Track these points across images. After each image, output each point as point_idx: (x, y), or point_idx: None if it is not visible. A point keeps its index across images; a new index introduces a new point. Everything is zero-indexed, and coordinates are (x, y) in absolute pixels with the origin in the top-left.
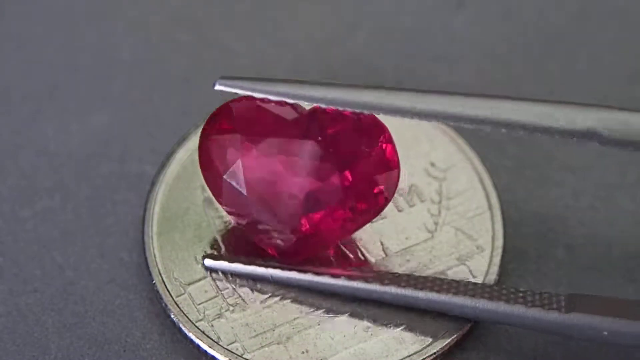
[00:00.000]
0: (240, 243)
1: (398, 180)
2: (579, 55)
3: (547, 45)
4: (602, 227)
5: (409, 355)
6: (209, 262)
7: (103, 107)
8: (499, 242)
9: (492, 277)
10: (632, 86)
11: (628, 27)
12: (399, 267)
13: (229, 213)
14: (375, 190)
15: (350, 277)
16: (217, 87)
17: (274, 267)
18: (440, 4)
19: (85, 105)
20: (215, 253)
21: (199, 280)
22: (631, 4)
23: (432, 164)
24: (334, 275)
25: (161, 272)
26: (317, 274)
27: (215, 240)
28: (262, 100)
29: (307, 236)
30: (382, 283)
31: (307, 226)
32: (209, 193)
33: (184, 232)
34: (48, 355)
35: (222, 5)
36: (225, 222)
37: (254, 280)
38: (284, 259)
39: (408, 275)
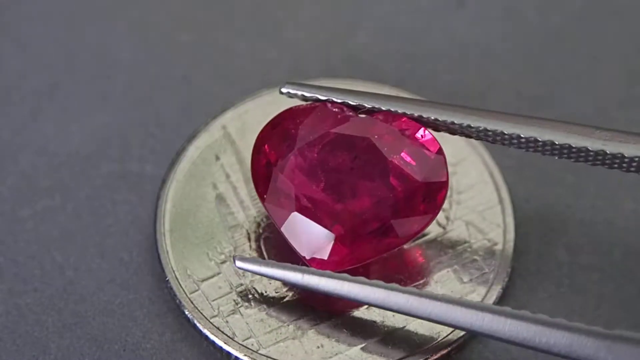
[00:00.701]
0: (275, 248)
1: (442, 205)
2: (579, 55)
3: (547, 45)
4: (603, 227)
5: (426, 348)
6: (240, 263)
7: (103, 107)
8: (511, 236)
9: (505, 270)
10: (632, 86)
11: (628, 27)
12: (411, 262)
13: (270, 214)
14: (420, 210)
15: (385, 287)
16: (284, 90)
17: (305, 272)
18: (440, 4)
19: (85, 105)
20: (247, 255)
21: (213, 276)
22: (631, 4)
23: None
24: (369, 284)
25: (174, 269)
26: (350, 280)
27: (249, 240)
28: (324, 106)
29: (343, 250)
30: (420, 296)
31: (345, 240)
32: (220, 190)
33: (196, 229)
34: (48, 354)
35: (222, 5)
36: (238, 221)
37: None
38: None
39: (455, 298)
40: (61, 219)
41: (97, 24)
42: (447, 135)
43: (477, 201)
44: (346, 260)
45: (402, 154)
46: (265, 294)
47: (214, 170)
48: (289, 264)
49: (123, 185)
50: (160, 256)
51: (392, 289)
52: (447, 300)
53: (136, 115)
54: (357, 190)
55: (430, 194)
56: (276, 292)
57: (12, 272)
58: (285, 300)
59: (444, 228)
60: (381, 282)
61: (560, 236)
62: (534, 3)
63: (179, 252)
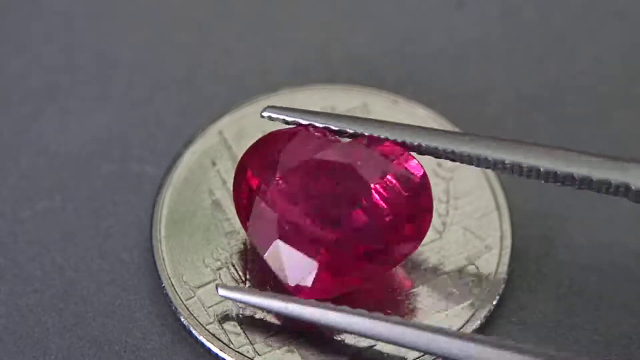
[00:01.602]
0: (260, 269)
1: (427, 230)
2: (579, 55)
3: (547, 45)
4: (602, 227)
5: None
6: (222, 291)
7: (103, 107)
8: (508, 242)
9: (501, 277)
10: (632, 86)
11: (628, 27)
12: (409, 268)
13: (253, 241)
14: (404, 237)
15: (370, 317)
16: (265, 114)
17: (289, 301)
18: (440, 4)
19: (85, 105)
20: (232, 282)
21: (208, 283)
22: (631, 4)
23: (439, 164)
24: (352, 313)
25: (170, 275)
26: (334, 310)
27: (236, 264)
28: (305, 131)
29: (326, 278)
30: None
31: (328, 269)
32: (216, 196)
33: (192, 235)
34: (48, 355)
35: (222, 5)
36: (234, 227)
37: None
38: (301, 296)
39: (440, 329)
40: (61, 219)
41: (97, 24)
42: None
43: (474, 207)
44: (331, 288)
45: (386, 179)
46: None
47: (211, 176)
48: (272, 293)
49: (123, 185)
50: (156, 262)
51: (376, 319)
52: (430, 329)
53: (136, 115)
54: (341, 216)
55: (415, 219)
56: None
57: (12, 273)
58: None
59: (440, 234)
60: (365, 312)
61: (560, 236)
62: (534, 3)
63: (175, 259)
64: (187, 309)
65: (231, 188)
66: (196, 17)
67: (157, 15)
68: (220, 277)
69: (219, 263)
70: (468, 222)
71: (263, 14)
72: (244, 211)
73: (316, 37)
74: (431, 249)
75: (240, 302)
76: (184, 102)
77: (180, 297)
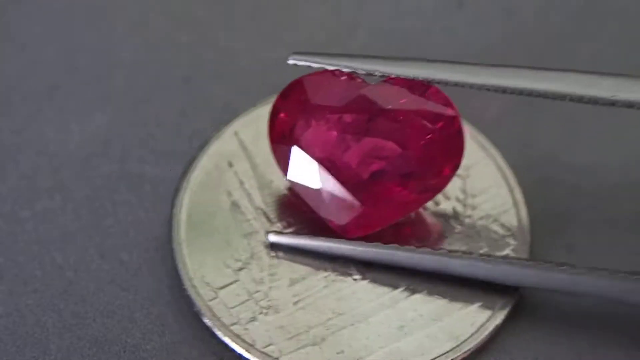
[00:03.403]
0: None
1: (461, 159)
2: (579, 55)
3: (547, 45)
4: (603, 227)
5: (444, 353)
6: (273, 237)
7: (103, 107)
8: (527, 238)
9: None
10: None
11: (628, 27)
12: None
13: (294, 186)
14: (438, 168)
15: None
16: (290, 61)
17: (337, 242)
18: (440, 4)
19: (85, 105)
20: (279, 230)
21: (231, 284)
22: (631, 3)
23: None
24: (395, 248)
25: (191, 277)
26: (379, 247)
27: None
28: (332, 75)
29: (369, 212)
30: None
31: (369, 201)
32: (234, 197)
33: (212, 237)
34: (48, 355)
35: (222, 5)
36: (253, 228)
37: (316, 256)
38: (345, 234)
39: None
40: (61, 219)
41: (97, 24)
42: None
43: (491, 204)
44: (376, 222)
45: (417, 113)
46: (283, 300)
47: (228, 178)
48: (321, 237)
49: (123, 185)
50: (177, 266)
51: (422, 252)
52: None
53: (136, 115)
54: (377, 151)
55: (447, 147)
56: (294, 299)
57: (12, 273)
58: (304, 307)
59: (458, 232)
60: (411, 247)
61: (560, 236)
62: (534, 3)
63: (195, 261)
64: (210, 310)
65: (249, 189)
66: (196, 17)
67: (157, 15)
68: (241, 278)
69: (239, 264)
70: (486, 220)
71: (263, 14)
72: (282, 158)
73: (316, 37)
74: (449, 244)
75: (290, 245)
76: (183, 102)
77: (202, 299)
